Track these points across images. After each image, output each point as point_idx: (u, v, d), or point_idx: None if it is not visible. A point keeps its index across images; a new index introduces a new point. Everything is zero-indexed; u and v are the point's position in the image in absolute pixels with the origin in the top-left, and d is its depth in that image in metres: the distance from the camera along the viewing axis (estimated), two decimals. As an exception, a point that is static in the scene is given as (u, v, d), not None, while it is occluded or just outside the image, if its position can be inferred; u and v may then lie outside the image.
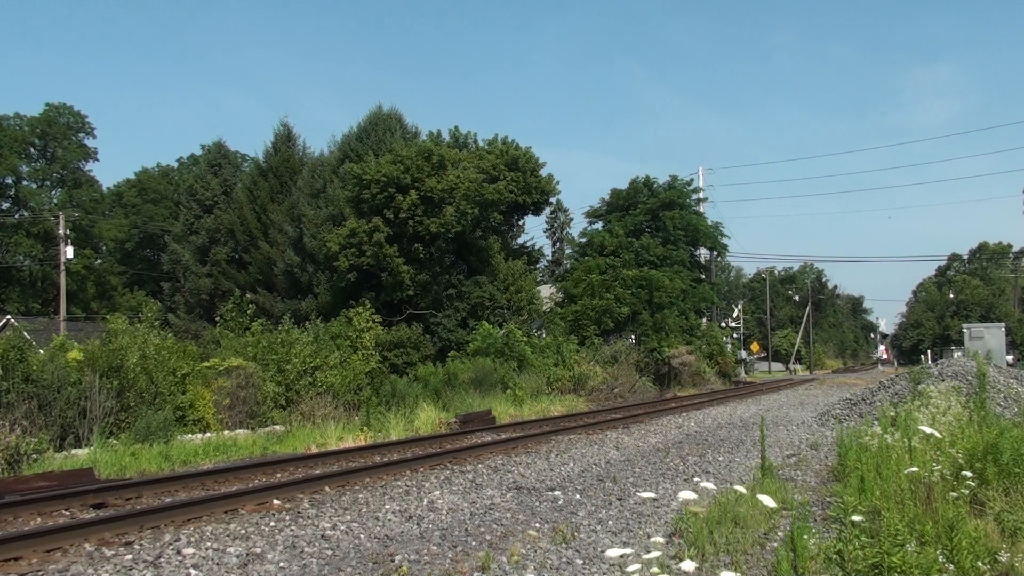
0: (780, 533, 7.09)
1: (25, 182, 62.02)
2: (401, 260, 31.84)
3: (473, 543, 7.21)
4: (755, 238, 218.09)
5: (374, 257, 31.54)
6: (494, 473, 11.49)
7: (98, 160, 72.71)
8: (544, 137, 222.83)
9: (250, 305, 29.60)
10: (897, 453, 8.40)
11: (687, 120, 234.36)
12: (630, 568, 3.82)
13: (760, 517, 7.30)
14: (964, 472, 7.37)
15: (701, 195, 52.12)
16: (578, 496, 9.55)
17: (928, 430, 7.49)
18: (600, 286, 39.92)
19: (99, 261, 64.95)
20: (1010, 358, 52.50)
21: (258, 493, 9.53)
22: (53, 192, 64.13)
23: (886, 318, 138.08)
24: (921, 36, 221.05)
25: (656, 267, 42.66)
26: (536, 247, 45.36)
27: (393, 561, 6.61)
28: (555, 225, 53.87)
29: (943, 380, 17.11)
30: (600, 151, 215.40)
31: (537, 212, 42.36)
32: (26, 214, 59.56)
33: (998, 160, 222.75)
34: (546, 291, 43.59)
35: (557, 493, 9.76)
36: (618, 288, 39.87)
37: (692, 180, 51.13)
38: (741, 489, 5.91)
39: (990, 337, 41.15)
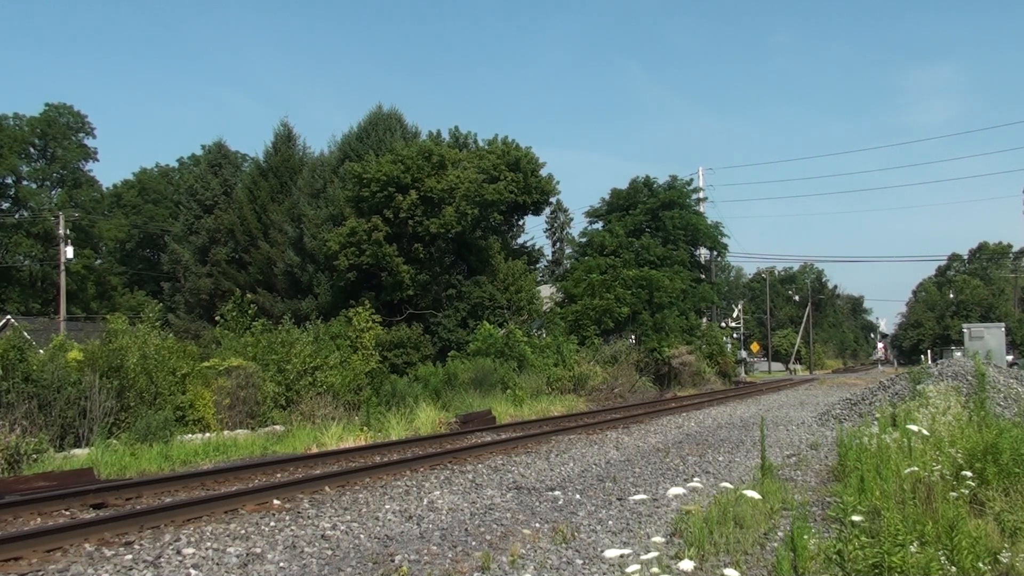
0: (780, 533, 7.09)
1: (25, 182, 61.97)
2: (401, 260, 31.84)
3: (473, 543, 7.21)
4: (755, 238, 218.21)
5: (374, 257, 31.54)
6: (494, 473, 11.49)
7: (98, 160, 72.73)
8: (544, 137, 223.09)
9: (250, 305, 29.60)
10: (897, 453, 8.40)
11: (687, 120, 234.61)
12: (630, 568, 3.82)
13: (760, 517, 7.30)
14: (964, 472, 7.37)
15: (701, 195, 52.15)
16: (578, 496, 9.55)
17: (915, 428, 7.52)
18: (600, 286, 39.91)
19: (99, 261, 64.90)
20: (1010, 358, 52.46)
21: (258, 493, 9.53)
22: (53, 192, 64.08)
23: (886, 318, 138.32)
24: (921, 36, 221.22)
25: (656, 267, 42.66)
26: (536, 247, 45.43)
27: (393, 561, 6.61)
28: (555, 225, 53.90)
29: (943, 380, 17.11)
30: (600, 151, 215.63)
31: (537, 212, 42.41)
32: (26, 214, 59.52)
33: (998, 160, 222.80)
34: (546, 291, 43.58)
35: (557, 493, 9.76)
36: (618, 288, 39.86)
37: (692, 180, 51.20)
38: (743, 490, 5.91)
39: (990, 337, 41.13)
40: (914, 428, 7.60)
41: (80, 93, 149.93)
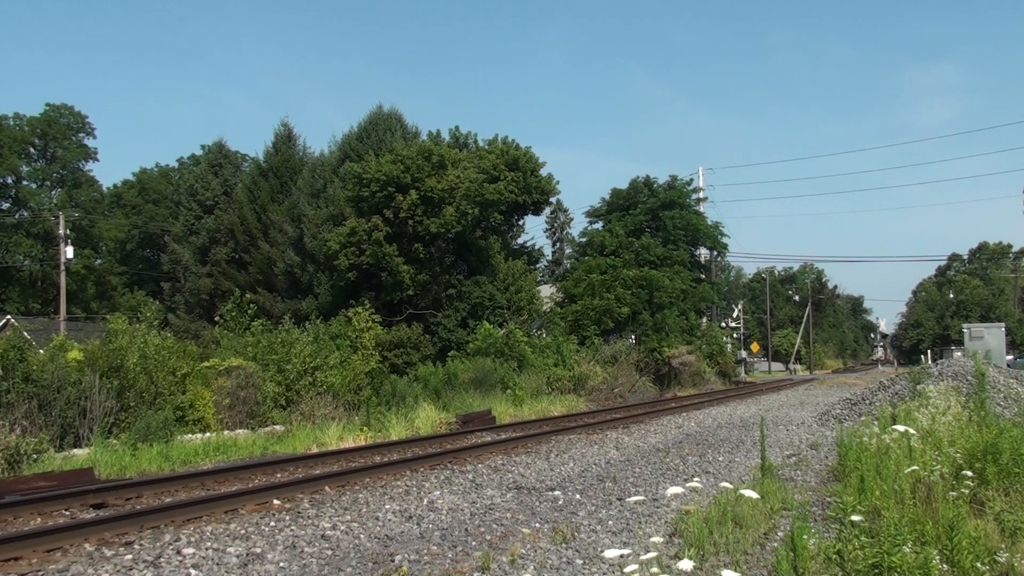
0: (780, 533, 7.09)
1: (25, 182, 61.97)
2: (401, 260, 31.84)
3: (473, 543, 7.21)
4: (755, 238, 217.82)
5: (374, 256, 31.54)
6: (494, 473, 11.49)
7: (98, 160, 72.74)
8: (544, 137, 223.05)
9: (250, 305, 29.59)
10: (896, 453, 8.40)
11: (687, 120, 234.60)
12: (629, 568, 3.83)
13: (760, 517, 7.30)
14: (964, 472, 7.37)
15: (701, 195, 52.16)
16: (578, 496, 9.55)
17: (903, 428, 7.55)
18: (600, 286, 39.91)
19: (99, 261, 64.88)
20: (1010, 358, 52.45)
21: (258, 493, 9.53)
22: (53, 192, 64.07)
23: (886, 318, 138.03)
24: (921, 36, 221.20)
25: (656, 267, 42.67)
26: (536, 247, 45.44)
27: (393, 561, 6.61)
28: (555, 225, 53.96)
29: (943, 380, 17.10)
30: (600, 151, 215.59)
31: (537, 212, 42.42)
32: (26, 214, 59.51)
33: (998, 160, 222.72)
34: (546, 291, 43.59)
35: (557, 493, 9.76)
36: (618, 288, 39.86)
37: (692, 180, 51.22)
38: (741, 489, 5.91)
39: (990, 337, 41.07)
40: (903, 428, 7.63)
41: (80, 93, 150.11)
